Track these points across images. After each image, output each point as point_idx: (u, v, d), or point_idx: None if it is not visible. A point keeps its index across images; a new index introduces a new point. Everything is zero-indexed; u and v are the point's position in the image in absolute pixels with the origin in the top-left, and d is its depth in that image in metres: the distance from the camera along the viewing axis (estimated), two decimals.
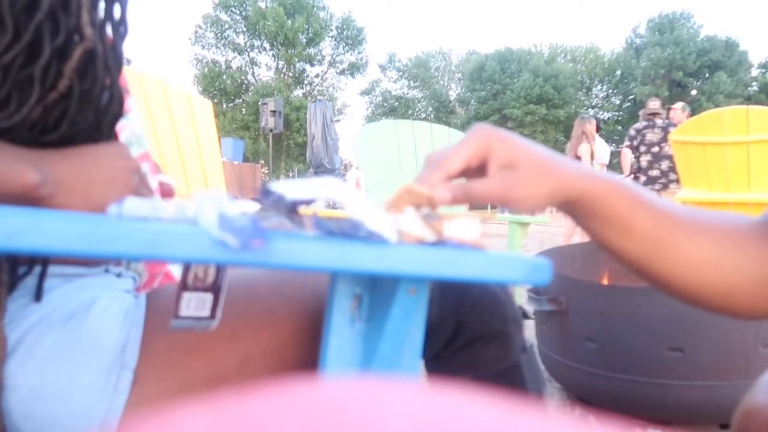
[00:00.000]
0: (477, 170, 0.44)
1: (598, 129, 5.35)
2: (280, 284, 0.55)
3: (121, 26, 0.49)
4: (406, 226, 0.38)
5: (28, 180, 0.43)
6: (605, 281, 1.75)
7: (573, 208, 0.45)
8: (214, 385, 0.50)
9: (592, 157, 4.88)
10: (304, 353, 0.52)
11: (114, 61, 0.49)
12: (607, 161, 5.26)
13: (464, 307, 0.57)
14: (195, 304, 0.43)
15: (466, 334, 0.57)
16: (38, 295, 0.48)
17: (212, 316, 0.44)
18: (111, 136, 0.52)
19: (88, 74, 0.47)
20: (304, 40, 28.30)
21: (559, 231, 3.77)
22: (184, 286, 0.42)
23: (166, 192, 1.15)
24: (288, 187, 0.34)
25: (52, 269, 0.50)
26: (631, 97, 29.95)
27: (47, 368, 0.45)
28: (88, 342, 0.48)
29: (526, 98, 28.38)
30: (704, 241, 0.44)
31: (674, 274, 0.45)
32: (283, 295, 0.54)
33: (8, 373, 0.45)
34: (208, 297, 0.43)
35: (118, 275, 0.60)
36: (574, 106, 29.06)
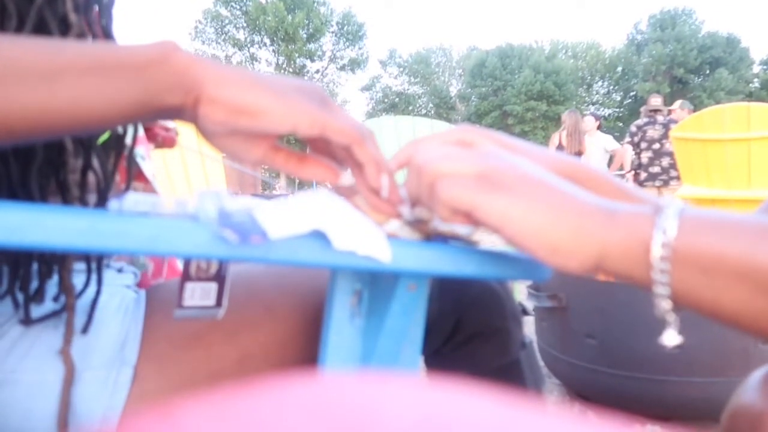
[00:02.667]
0: None
1: (599, 126, 5.36)
2: (280, 280, 0.55)
3: (107, 9, 0.48)
4: (392, 230, 0.38)
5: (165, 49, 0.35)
6: (605, 278, 1.75)
7: None
8: (214, 380, 0.50)
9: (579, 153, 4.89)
10: (304, 349, 0.52)
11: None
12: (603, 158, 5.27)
13: (464, 304, 0.57)
14: (200, 294, 0.43)
15: (465, 331, 0.57)
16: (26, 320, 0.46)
17: (218, 304, 0.44)
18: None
19: None
20: (305, 35, 28.22)
21: None
22: (187, 276, 0.42)
23: (169, 139, 1.15)
24: (276, 210, 0.33)
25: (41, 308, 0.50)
26: (632, 93, 29.91)
27: (47, 364, 0.45)
28: (89, 338, 0.48)
29: (527, 94, 28.33)
30: None
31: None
32: (283, 291, 0.54)
33: (8, 368, 0.45)
34: (213, 286, 0.43)
35: (119, 270, 0.60)
36: (575, 103, 29.02)
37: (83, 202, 0.48)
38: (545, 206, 0.32)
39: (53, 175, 0.47)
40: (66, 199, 0.47)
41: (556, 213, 0.32)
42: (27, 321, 0.45)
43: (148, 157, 0.86)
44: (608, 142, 5.30)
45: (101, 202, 0.49)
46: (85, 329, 0.47)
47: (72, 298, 0.46)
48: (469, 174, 0.34)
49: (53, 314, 0.46)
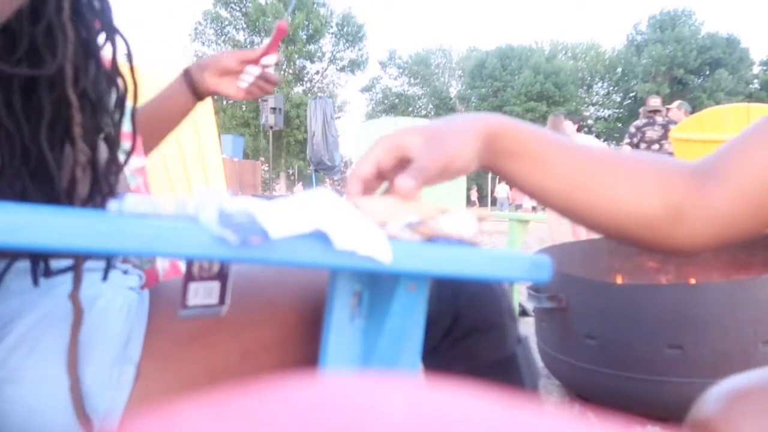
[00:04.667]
0: (399, 169, 0.44)
1: (580, 128, 5.37)
2: (282, 278, 0.55)
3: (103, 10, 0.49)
4: (393, 232, 0.38)
5: None
6: (605, 278, 1.75)
7: (495, 152, 0.46)
8: (216, 378, 0.50)
9: None
10: (305, 347, 0.53)
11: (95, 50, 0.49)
12: None
13: (461, 300, 0.57)
14: (203, 293, 0.43)
15: (462, 327, 0.58)
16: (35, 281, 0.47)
17: (221, 302, 0.44)
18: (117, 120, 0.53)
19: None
20: (305, 36, 28.24)
21: (560, 229, 3.76)
22: (189, 277, 0.42)
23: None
24: (276, 210, 0.33)
25: (59, 263, 0.50)
26: (631, 94, 29.92)
27: (51, 362, 0.45)
28: (92, 336, 0.48)
29: (527, 95, 28.34)
30: (625, 174, 0.45)
31: (597, 209, 0.46)
32: (285, 289, 0.54)
33: (12, 367, 0.45)
34: (215, 285, 0.43)
35: (125, 272, 0.60)
36: (575, 104, 29.05)
37: (92, 161, 0.49)
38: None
39: (61, 130, 0.48)
40: (76, 156, 0.48)
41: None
42: (47, 273, 0.46)
43: (133, 173, 0.85)
44: (592, 142, 5.33)
45: (111, 161, 0.50)
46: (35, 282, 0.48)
47: (79, 284, 0.46)
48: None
49: (70, 268, 0.47)
